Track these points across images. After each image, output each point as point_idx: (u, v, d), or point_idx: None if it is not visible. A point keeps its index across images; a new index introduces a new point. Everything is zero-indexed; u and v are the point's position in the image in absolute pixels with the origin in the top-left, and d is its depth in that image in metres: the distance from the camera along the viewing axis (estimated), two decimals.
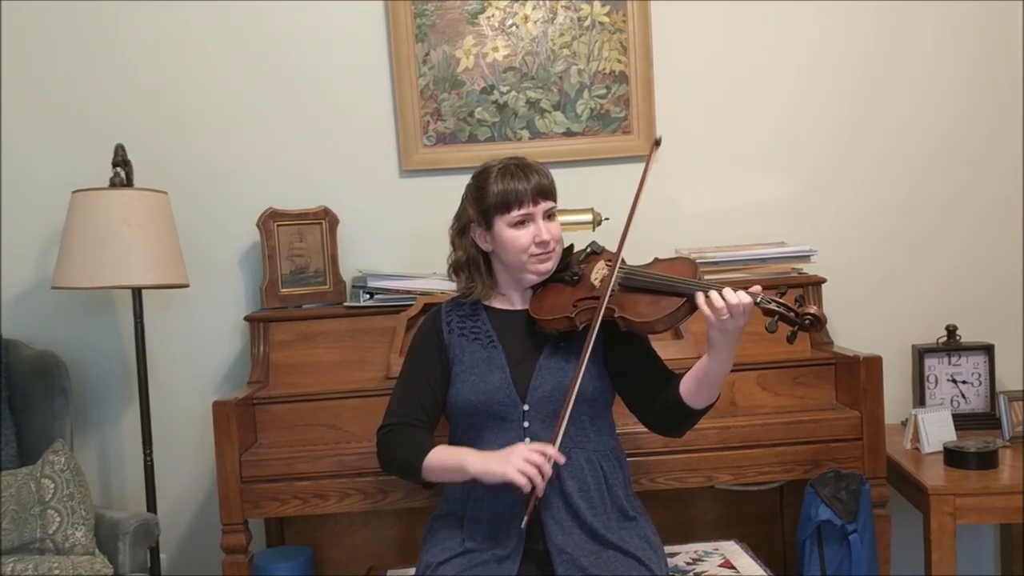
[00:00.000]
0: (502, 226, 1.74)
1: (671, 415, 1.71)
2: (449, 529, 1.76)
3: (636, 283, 1.70)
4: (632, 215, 1.71)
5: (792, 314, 1.57)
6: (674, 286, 1.64)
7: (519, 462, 1.56)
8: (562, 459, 1.60)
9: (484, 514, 1.71)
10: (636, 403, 1.78)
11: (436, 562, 1.68)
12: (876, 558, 2.09)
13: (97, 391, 2.66)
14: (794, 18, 2.64)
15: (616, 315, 1.67)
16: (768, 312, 1.58)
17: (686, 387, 1.67)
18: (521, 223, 1.74)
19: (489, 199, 1.74)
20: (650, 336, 1.78)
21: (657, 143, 1.74)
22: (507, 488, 1.66)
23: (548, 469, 1.58)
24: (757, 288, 1.59)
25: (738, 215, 2.65)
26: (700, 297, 1.58)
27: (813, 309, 1.57)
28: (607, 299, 1.67)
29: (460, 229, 1.83)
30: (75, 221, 2.31)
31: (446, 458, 1.67)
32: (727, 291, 1.57)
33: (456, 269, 1.86)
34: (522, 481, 1.55)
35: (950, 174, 2.67)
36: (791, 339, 1.58)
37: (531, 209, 1.73)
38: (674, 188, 2.65)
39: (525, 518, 1.59)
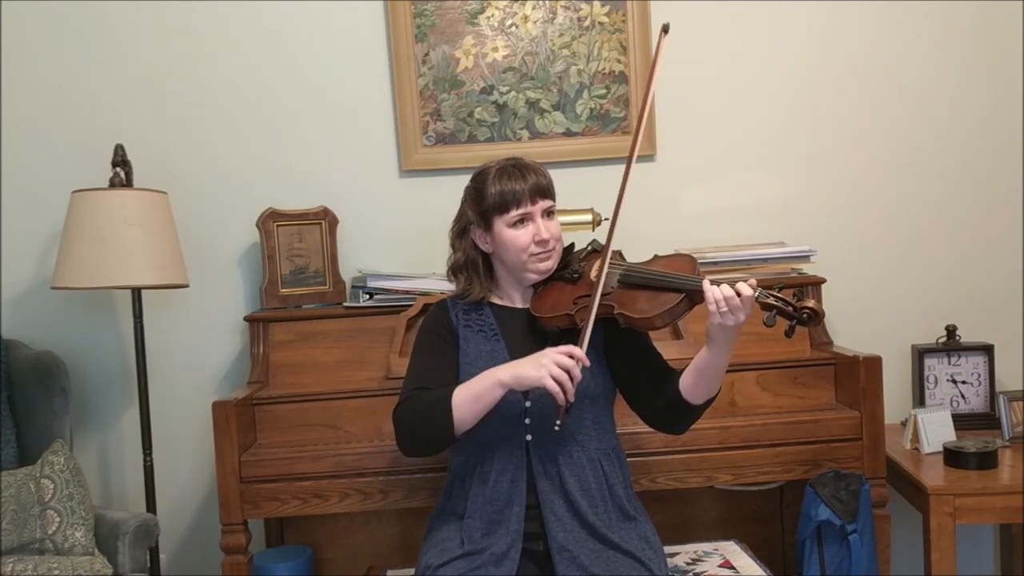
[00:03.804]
0: (501, 226, 1.75)
1: (672, 411, 1.71)
2: (449, 528, 1.75)
3: (635, 279, 1.70)
4: (639, 126, 1.68)
5: (790, 308, 1.56)
6: (673, 282, 1.64)
7: (551, 366, 1.56)
8: (587, 361, 1.59)
9: (483, 510, 1.71)
10: (637, 400, 1.77)
11: (436, 564, 1.68)
12: (876, 558, 2.09)
13: (97, 391, 2.66)
14: (794, 18, 2.64)
15: (615, 312, 1.67)
16: (766, 306, 1.57)
17: (686, 382, 1.67)
18: (520, 222, 1.74)
19: (487, 200, 1.74)
20: (650, 334, 1.78)
21: (665, 30, 1.69)
22: (506, 480, 1.69)
23: (577, 373, 1.57)
24: (753, 282, 1.58)
25: (738, 215, 2.66)
26: (706, 285, 1.58)
27: (811, 303, 1.56)
28: (600, 289, 1.66)
29: (460, 231, 1.84)
30: (75, 221, 2.31)
31: (473, 385, 1.64)
32: (725, 286, 1.57)
33: (455, 271, 1.86)
34: (555, 388, 1.55)
35: (949, 174, 2.67)
36: (789, 333, 1.57)
37: (529, 208, 1.74)
38: (674, 188, 2.65)
39: (558, 423, 1.60)
